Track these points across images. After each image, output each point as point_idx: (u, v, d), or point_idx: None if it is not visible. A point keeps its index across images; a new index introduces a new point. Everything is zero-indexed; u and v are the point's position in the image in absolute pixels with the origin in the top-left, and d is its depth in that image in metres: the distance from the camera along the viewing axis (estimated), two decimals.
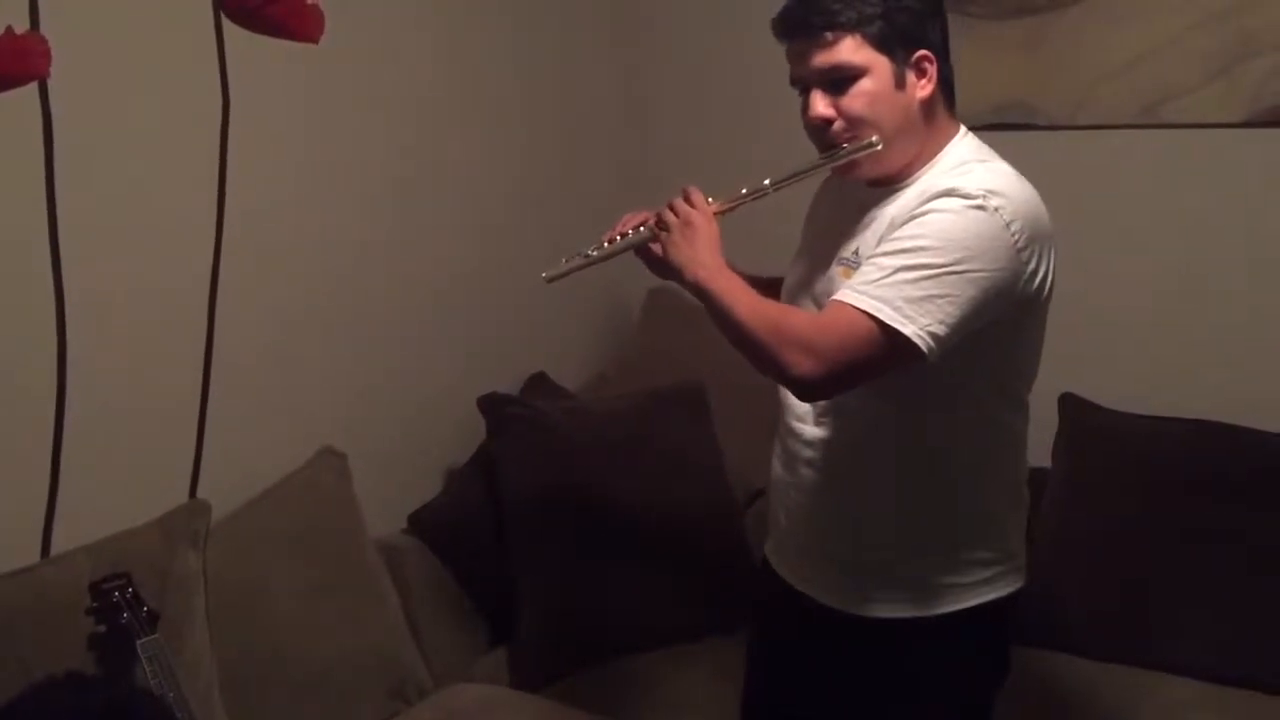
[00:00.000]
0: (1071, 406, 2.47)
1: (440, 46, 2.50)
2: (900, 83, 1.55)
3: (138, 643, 1.70)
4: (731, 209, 1.66)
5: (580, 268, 1.75)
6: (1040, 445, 2.43)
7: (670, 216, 1.63)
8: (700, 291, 1.57)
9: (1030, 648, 2.32)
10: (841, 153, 1.57)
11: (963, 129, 1.63)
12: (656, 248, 1.69)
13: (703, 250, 1.58)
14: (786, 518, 1.77)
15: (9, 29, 1.75)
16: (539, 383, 2.71)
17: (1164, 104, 2.42)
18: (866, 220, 1.61)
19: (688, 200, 1.63)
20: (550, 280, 1.78)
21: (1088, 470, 2.41)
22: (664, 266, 1.70)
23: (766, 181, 1.63)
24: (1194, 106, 2.39)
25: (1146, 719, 2.15)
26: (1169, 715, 2.14)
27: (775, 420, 1.79)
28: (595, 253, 1.73)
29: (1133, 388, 2.45)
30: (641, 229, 1.71)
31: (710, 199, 1.64)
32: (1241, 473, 2.27)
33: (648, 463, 2.50)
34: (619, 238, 1.73)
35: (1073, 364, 2.54)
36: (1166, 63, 2.39)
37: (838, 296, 1.50)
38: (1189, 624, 2.24)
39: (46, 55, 1.79)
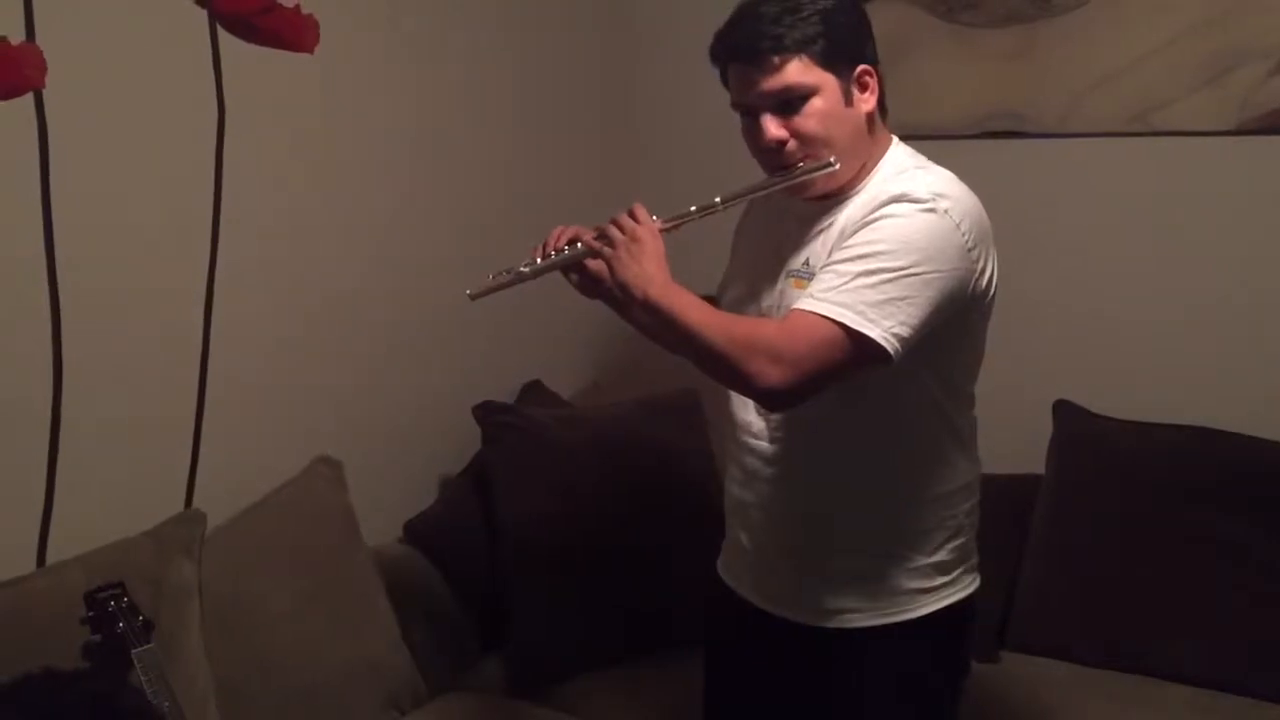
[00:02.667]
0: (1065, 413, 2.48)
1: (436, 57, 2.51)
2: (849, 99, 1.57)
3: (133, 652, 1.70)
4: (677, 226, 1.62)
5: (509, 284, 1.67)
6: (1034, 452, 2.46)
7: (615, 232, 1.58)
8: (653, 308, 1.53)
9: (1022, 653, 2.34)
10: (797, 172, 1.57)
11: (894, 137, 1.65)
12: (596, 264, 1.66)
13: (651, 266, 1.54)
14: (751, 538, 1.75)
15: (4, 40, 1.76)
16: (534, 391, 2.71)
17: (1153, 112, 2.43)
18: (813, 232, 1.62)
19: (633, 216, 1.59)
20: (475, 297, 1.69)
21: (1081, 476, 2.42)
22: (597, 286, 1.68)
23: (717, 199, 1.61)
24: (1183, 114, 2.40)
25: None
26: None
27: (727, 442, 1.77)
28: (526, 269, 1.67)
29: (1125, 394, 2.45)
30: (579, 245, 1.66)
31: (654, 216, 1.60)
32: (1235, 479, 2.27)
33: (641, 470, 2.50)
34: (553, 253, 1.68)
35: (1065, 371, 2.57)
36: (1156, 70, 2.41)
37: (799, 305, 1.50)
38: (1183, 630, 2.25)
39: (42, 66, 1.80)
